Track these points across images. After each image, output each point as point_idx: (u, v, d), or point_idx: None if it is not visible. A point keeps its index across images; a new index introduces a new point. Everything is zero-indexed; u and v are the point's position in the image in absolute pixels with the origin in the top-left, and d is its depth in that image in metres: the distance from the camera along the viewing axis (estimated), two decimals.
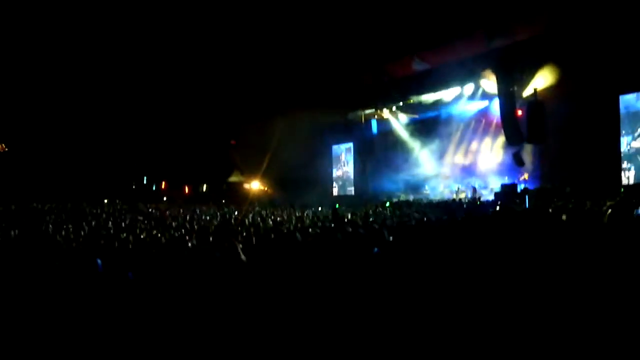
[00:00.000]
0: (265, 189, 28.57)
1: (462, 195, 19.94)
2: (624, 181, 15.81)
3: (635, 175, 15.81)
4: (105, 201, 25.20)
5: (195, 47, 22.81)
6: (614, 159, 16.00)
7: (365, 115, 24.40)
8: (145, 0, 19.95)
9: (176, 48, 22.96)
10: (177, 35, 22.02)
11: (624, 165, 15.99)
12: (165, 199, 28.50)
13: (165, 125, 27.15)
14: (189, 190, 30.47)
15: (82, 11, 20.26)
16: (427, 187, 22.22)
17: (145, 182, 31.21)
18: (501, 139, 19.20)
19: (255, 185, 28.43)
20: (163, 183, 31.26)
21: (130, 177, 30.29)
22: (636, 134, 15.86)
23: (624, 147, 16.00)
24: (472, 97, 20.95)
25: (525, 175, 18.31)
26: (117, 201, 23.82)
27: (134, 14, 20.62)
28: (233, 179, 30.25)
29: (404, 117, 24.00)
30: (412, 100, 22.92)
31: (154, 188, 31.26)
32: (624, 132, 16.04)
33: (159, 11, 20.28)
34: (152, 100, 25.85)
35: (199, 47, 22.76)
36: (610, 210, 4.34)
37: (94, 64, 23.41)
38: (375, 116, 24.53)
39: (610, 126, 16.03)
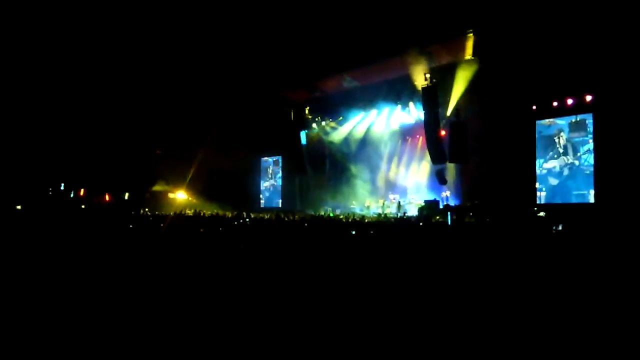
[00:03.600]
0: (190, 199, 28.08)
1: (388, 211, 20.56)
2: (538, 201, 17.00)
3: (546, 195, 17.03)
4: (19, 207, 23.91)
5: (117, 56, 22.22)
6: (530, 179, 17.16)
7: (294, 128, 24.52)
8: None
9: (100, 53, 22.25)
10: (102, 40, 21.38)
11: (537, 185, 17.18)
12: (83, 206, 27.38)
13: (87, 130, 26.15)
14: (109, 198, 29.38)
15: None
16: (354, 201, 22.67)
17: (62, 188, 29.79)
18: (426, 157, 19.96)
19: (180, 195, 27.92)
20: (82, 190, 29.97)
21: (46, 182, 28.84)
22: (548, 157, 17.08)
23: (537, 169, 17.22)
24: (399, 116, 21.76)
25: (447, 193, 19.19)
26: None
27: (61, 18, 19.87)
28: (157, 188, 29.52)
29: (333, 132, 24.47)
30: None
31: (71, 195, 29.90)
32: (537, 154, 17.29)
33: (88, 17, 19.66)
34: (74, 104, 24.86)
35: (121, 55, 22.19)
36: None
37: (12, 62, 22.24)
38: (305, 129, 24.76)
39: (527, 148, 17.21)
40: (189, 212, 20.58)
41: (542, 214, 13.99)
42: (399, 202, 20.85)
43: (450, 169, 19.31)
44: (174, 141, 27.90)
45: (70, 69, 22.84)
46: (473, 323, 3.35)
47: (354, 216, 17.12)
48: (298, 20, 19.36)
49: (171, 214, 17.70)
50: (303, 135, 24.74)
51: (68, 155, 27.18)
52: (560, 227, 9.83)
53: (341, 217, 16.98)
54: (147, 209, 25.08)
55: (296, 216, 16.50)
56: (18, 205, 24.48)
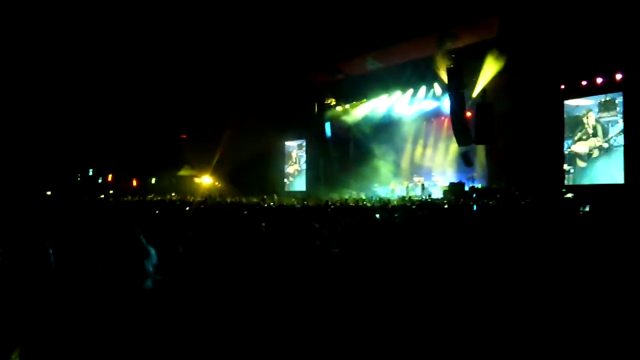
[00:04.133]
0: (216, 183, 28.34)
1: (412, 194, 20.44)
2: (566, 182, 16.71)
3: (574, 176, 16.72)
4: (49, 193, 24.45)
5: (142, 41, 22.29)
6: (558, 160, 16.85)
7: (319, 113, 24.36)
8: None
9: (123, 41, 22.36)
10: (124, 28, 21.48)
11: (565, 167, 16.87)
12: (111, 191, 27.86)
13: (114, 117, 26.47)
14: (137, 183, 29.87)
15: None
16: (377, 184, 22.57)
17: (90, 174, 30.35)
18: (451, 139, 19.72)
19: (205, 180, 28.19)
20: (110, 176, 30.50)
21: (75, 169, 29.41)
22: (576, 138, 16.73)
23: (565, 150, 16.90)
24: (423, 98, 21.49)
25: (474, 174, 18.97)
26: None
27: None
28: (183, 172, 29.88)
29: (357, 115, 24.26)
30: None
31: (100, 180, 30.46)
32: (566, 135, 16.96)
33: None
34: (100, 92, 25.14)
35: (146, 40, 22.26)
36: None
37: (37, 52, 22.50)
38: (329, 113, 24.59)
39: (555, 129, 16.87)
40: (215, 196, 20.76)
41: (569, 195, 13.74)
42: (423, 185, 20.71)
43: (479, 150, 19.07)
44: (198, 126, 28.11)
45: (97, 56, 23.04)
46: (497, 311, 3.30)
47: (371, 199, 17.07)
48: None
49: (196, 200, 17.90)
50: (327, 125, 24.41)
51: (96, 141, 27.57)
52: (587, 209, 9.63)
53: (365, 201, 16.93)
54: (174, 194, 25.36)
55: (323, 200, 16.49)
56: (47, 191, 25.05)
